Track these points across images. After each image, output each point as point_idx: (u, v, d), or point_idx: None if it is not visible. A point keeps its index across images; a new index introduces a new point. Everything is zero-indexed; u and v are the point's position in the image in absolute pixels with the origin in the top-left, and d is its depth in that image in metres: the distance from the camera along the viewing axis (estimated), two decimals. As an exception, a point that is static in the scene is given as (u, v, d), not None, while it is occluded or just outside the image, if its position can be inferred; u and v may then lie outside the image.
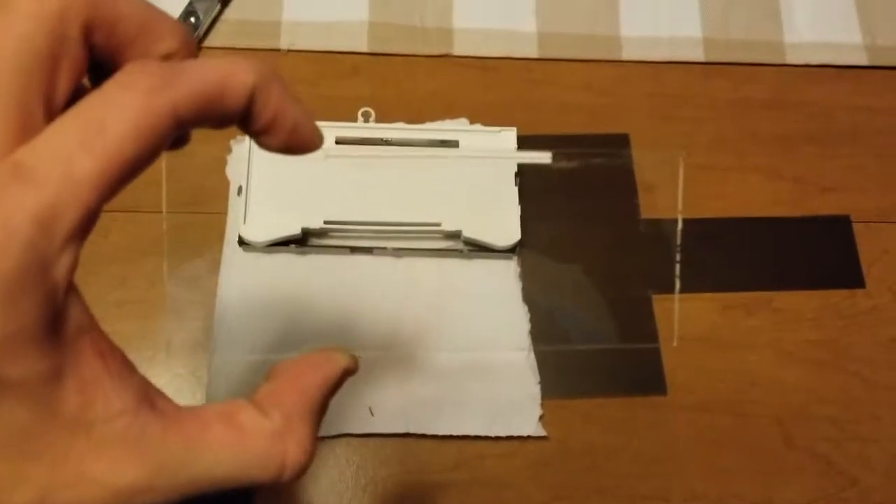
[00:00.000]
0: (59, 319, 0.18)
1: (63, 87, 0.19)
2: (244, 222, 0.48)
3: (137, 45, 0.21)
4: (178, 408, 0.21)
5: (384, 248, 0.49)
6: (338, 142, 0.50)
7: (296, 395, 0.23)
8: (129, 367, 0.20)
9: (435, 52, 0.56)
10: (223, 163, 0.51)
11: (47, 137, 0.18)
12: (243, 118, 0.21)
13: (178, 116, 0.19)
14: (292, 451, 0.22)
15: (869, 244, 0.53)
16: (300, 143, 0.22)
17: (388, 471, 0.45)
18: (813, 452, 0.48)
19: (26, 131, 0.18)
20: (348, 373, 0.25)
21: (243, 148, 0.50)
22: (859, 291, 0.52)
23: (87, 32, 0.20)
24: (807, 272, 0.52)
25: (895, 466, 0.48)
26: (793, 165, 0.55)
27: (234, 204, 0.50)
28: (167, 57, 0.22)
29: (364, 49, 0.55)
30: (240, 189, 0.49)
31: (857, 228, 0.53)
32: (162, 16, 0.22)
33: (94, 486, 0.19)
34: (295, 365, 0.24)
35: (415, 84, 0.55)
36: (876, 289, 0.52)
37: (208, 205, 0.50)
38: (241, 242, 0.48)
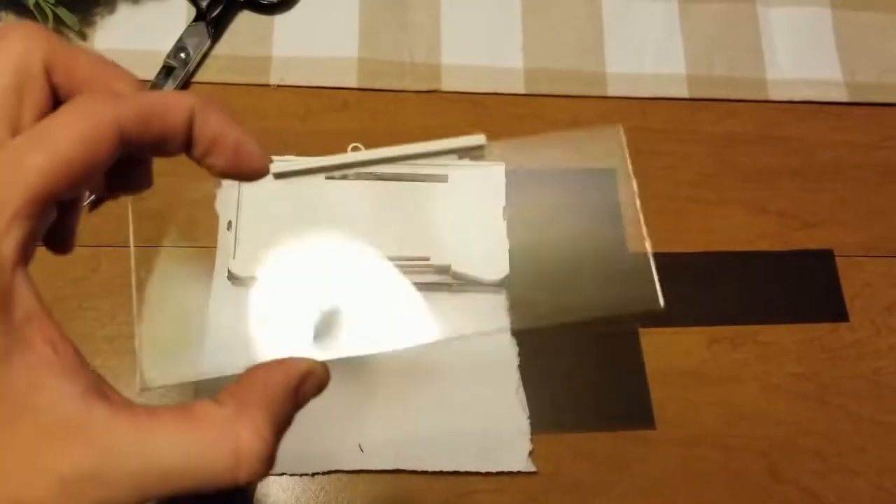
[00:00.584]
0: (5, 299, 0.19)
1: (27, 118, 0.21)
2: (234, 257, 0.48)
3: (94, 85, 0.23)
4: (129, 400, 0.21)
5: (374, 283, 0.49)
6: (327, 177, 0.50)
7: (254, 389, 0.22)
8: (80, 359, 0.20)
9: (424, 87, 0.56)
10: (213, 197, 0.51)
11: (4, 144, 0.20)
12: (187, 143, 0.22)
13: (121, 126, 0.21)
14: (246, 436, 0.20)
15: (851, 278, 0.54)
16: (245, 162, 0.23)
17: (377, 507, 0.45)
18: (799, 485, 0.48)
19: None
20: (313, 377, 0.24)
21: (233, 183, 0.50)
22: (843, 325, 0.53)
23: (49, 71, 0.22)
24: (791, 306, 0.53)
25: (880, 498, 0.49)
26: (776, 200, 0.56)
27: (224, 238, 0.50)
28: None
29: (353, 84, 0.56)
30: (229, 224, 0.49)
31: (840, 262, 0.54)
32: (115, 64, 0.23)
33: (40, 473, 0.18)
34: (256, 366, 0.24)
35: (404, 118, 0.56)
36: (859, 322, 0.53)
37: (198, 239, 0.50)
38: (231, 277, 0.48)
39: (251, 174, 0.24)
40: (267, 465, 0.21)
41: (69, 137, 0.20)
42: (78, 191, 0.21)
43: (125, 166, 0.22)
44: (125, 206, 0.50)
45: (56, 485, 0.18)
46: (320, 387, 0.24)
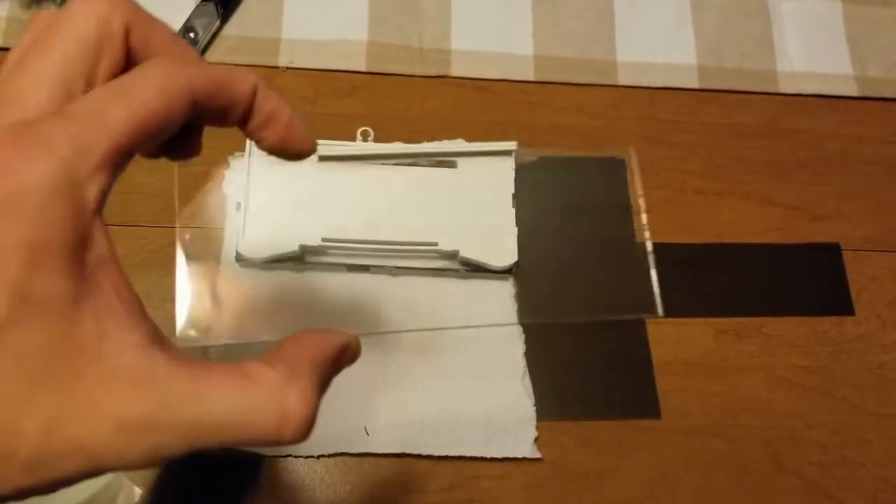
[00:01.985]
0: (84, 242, 0.20)
1: (102, 74, 0.22)
2: (242, 238, 0.48)
3: (164, 55, 0.24)
4: (186, 353, 0.22)
5: (381, 267, 0.49)
6: (320, 160, 0.50)
7: (300, 353, 0.23)
8: (142, 308, 0.21)
9: (433, 72, 0.56)
10: (221, 178, 0.51)
11: (86, 95, 0.21)
12: (246, 113, 0.24)
13: (194, 90, 0.22)
14: (294, 400, 0.22)
15: (858, 272, 0.54)
16: (295, 140, 0.25)
17: (383, 491, 0.45)
18: (802, 476, 0.49)
19: (67, 103, 0.21)
20: (349, 350, 0.26)
21: (242, 164, 0.50)
22: (848, 318, 0.53)
23: (128, 32, 0.23)
24: (797, 299, 0.53)
25: (882, 490, 0.49)
26: (784, 192, 0.56)
27: (232, 220, 0.49)
28: None
29: (362, 68, 0.55)
30: (238, 205, 0.49)
31: (847, 256, 0.54)
32: (186, 43, 0.25)
33: (101, 417, 0.19)
34: (299, 332, 0.25)
35: (412, 103, 0.55)
36: (864, 316, 0.53)
37: (206, 220, 0.50)
38: (239, 258, 0.48)
39: (298, 153, 0.26)
40: (309, 427, 0.22)
41: (150, 93, 0.21)
42: (152, 146, 0.23)
43: (181, 132, 0.23)
44: (130, 186, 0.50)
45: (115, 429, 0.19)
46: (353, 359, 0.26)
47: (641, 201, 0.53)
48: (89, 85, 0.22)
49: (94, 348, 0.19)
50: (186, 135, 0.25)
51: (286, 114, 0.25)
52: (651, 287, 0.51)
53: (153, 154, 0.26)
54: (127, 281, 0.21)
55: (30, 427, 0.18)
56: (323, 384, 0.24)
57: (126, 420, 0.19)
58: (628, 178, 0.54)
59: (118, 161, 0.21)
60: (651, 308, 0.50)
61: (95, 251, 0.20)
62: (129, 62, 0.23)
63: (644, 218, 0.52)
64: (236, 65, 0.54)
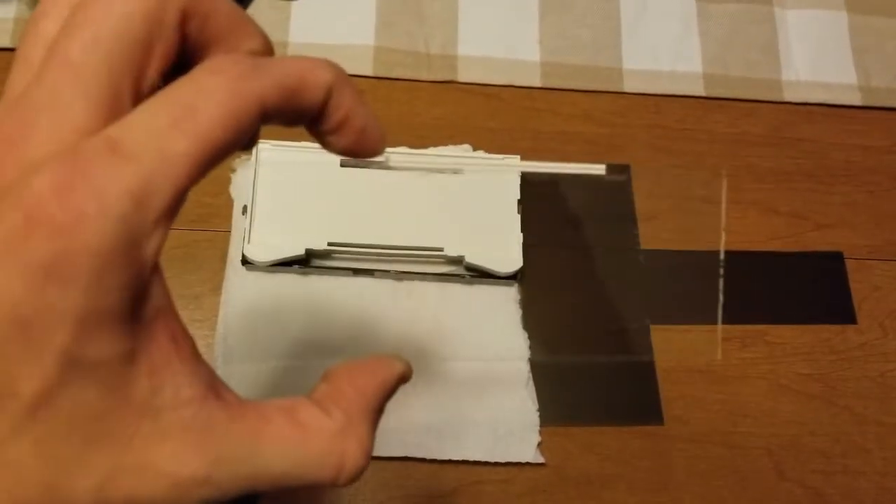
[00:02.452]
0: (142, 299, 0.18)
1: (152, 73, 0.19)
2: (248, 242, 0.48)
3: (225, 42, 0.21)
4: (241, 400, 0.21)
5: (386, 272, 0.49)
6: (343, 164, 0.50)
7: (355, 396, 0.22)
8: (197, 355, 0.20)
9: (439, 78, 0.56)
10: (228, 181, 0.51)
11: (139, 117, 0.18)
12: (315, 117, 0.21)
13: (264, 104, 0.19)
14: (352, 450, 0.21)
15: (861, 281, 0.54)
16: (367, 145, 0.23)
17: (386, 494, 0.45)
18: (803, 484, 0.49)
19: (114, 112, 0.18)
20: (403, 378, 0.25)
21: (248, 167, 0.50)
22: (851, 327, 0.53)
23: (184, 19, 0.20)
24: (800, 307, 0.53)
25: (883, 499, 0.49)
26: (788, 201, 0.56)
27: (238, 223, 0.50)
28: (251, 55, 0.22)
29: (369, 73, 0.56)
30: (244, 208, 0.49)
31: (850, 265, 0.54)
32: (249, 18, 0.22)
33: (155, 475, 0.19)
34: (353, 366, 0.24)
35: (418, 109, 0.56)
36: (867, 325, 0.53)
37: (212, 223, 0.50)
38: (245, 262, 0.48)
39: (367, 156, 0.23)
40: (363, 471, 0.22)
41: (216, 118, 0.18)
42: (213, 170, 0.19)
43: None
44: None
45: (170, 486, 0.19)
46: (404, 383, 0.25)
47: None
48: (137, 91, 0.19)
49: (148, 405, 0.18)
50: None
51: (360, 118, 0.22)
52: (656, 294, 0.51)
53: None
54: (183, 327, 0.20)
55: (83, 488, 0.18)
56: (378, 420, 0.23)
57: (182, 478, 0.19)
58: (633, 184, 0.54)
59: (179, 204, 0.18)
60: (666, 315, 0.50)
61: (153, 303, 0.18)
62: (182, 49, 0.20)
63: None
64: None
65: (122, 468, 0.18)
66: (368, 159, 0.24)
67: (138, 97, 0.19)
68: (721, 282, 0.53)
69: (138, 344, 0.18)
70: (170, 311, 0.19)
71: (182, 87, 0.18)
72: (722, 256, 0.53)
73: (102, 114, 0.18)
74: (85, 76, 0.18)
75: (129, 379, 0.18)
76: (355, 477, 0.21)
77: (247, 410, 0.20)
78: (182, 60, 0.21)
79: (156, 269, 0.18)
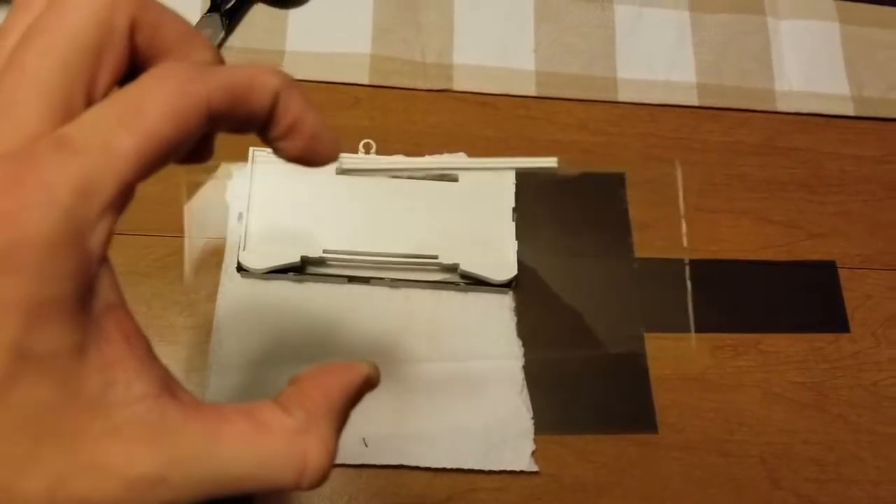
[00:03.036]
0: (90, 292, 0.18)
1: (104, 80, 0.20)
2: (243, 249, 0.48)
3: (175, 53, 0.22)
4: (199, 401, 0.20)
5: (381, 279, 0.49)
6: (338, 171, 0.50)
7: (319, 397, 0.22)
8: (152, 355, 0.20)
9: (435, 86, 0.56)
10: (223, 188, 0.51)
11: (88, 116, 0.19)
12: (265, 123, 0.22)
13: (210, 105, 0.19)
14: (314, 449, 0.21)
15: (853, 290, 0.54)
16: (318, 150, 0.23)
17: (380, 502, 0.45)
18: (797, 493, 0.49)
19: (67, 116, 0.19)
20: (370, 382, 0.24)
21: (244, 174, 0.50)
22: (844, 336, 0.53)
23: (133, 29, 0.20)
24: (794, 316, 0.53)
25: (876, 508, 0.49)
26: (782, 210, 0.56)
27: (234, 230, 0.50)
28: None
29: (365, 81, 0.56)
30: (240, 215, 0.49)
31: (843, 274, 0.55)
32: (198, 33, 0.23)
33: (106, 475, 0.18)
34: (318, 370, 0.24)
35: (414, 117, 0.56)
36: (859, 333, 0.53)
37: (207, 229, 0.50)
38: (240, 268, 0.48)
39: (320, 163, 0.23)
40: (327, 474, 0.21)
41: (161, 116, 0.19)
42: (161, 168, 0.20)
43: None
44: (133, 197, 0.50)
45: (122, 486, 0.18)
46: (373, 388, 0.25)
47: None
48: (90, 96, 0.20)
49: (100, 401, 0.18)
50: (200, 140, 0.22)
51: (310, 123, 0.22)
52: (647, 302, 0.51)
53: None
54: (136, 325, 0.20)
55: (34, 488, 0.17)
56: (342, 424, 0.22)
57: (135, 478, 0.18)
58: (627, 193, 0.55)
59: (124, 200, 0.19)
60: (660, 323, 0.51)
61: (102, 297, 0.19)
62: (133, 60, 0.21)
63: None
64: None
65: (73, 468, 0.18)
66: (323, 165, 0.24)
67: (90, 103, 0.20)
68: (715, 291, 0.53)
69: (88, 337, 0.18)
70: (122, 310, 0.19)
71: (130, 89, 0.19)
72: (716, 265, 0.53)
73: (56, 117, 0.19)
74: (38, 82, 0.19)
75: (80, 373, 0.18)
76: (319, 479, 0.21)
77: (204, 410, 0.20)
78: (134, 71, 0.21)
79: (104, 262, 0.19)
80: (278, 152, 0.23)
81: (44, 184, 0.17)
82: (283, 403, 0.21)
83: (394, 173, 0.51)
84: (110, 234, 0.18)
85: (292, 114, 0.22)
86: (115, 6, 0.20)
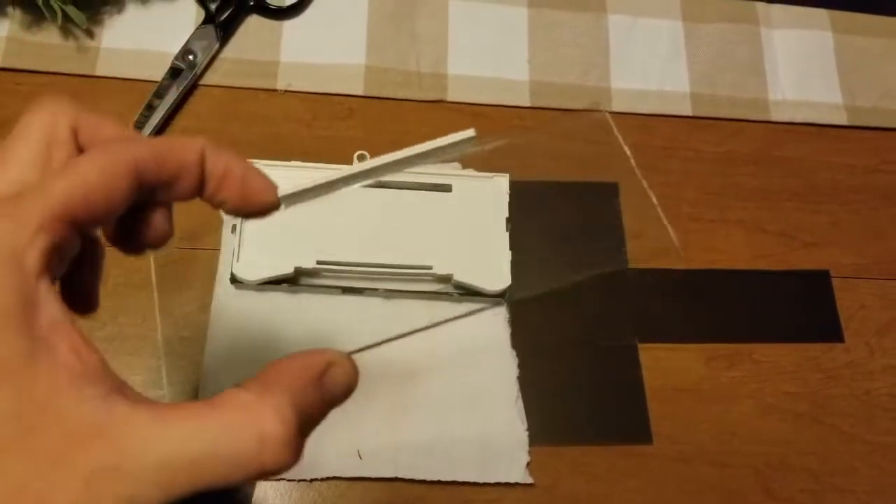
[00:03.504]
0: (32, 305, 0.20)
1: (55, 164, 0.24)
2: (237, 260, 0.48)
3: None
4: (151, 400, 0.21)
5: (375, 290, 0.49)
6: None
7: (277, 375, 0.22)
8: (104, 365, 0.21)
9: (429, 97, 0.57)
10: (217, 200, 0.51)
11: (39, 179, 0.23)
12: (200, 182, 0.24)
13: (138, 163, 0.22)
14: (269, 419, 0.20)
15: (847, 299, 0.55)
16: (253, 194, 0.25)
17: (375, 514, 0.45)
18: (792, 503, 0.49)
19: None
20: (335, 369, 0.24)
21: (238, 186, 0.50)
22: (837, 345, 0.53)
23: (75, 132, 0.24)
24: (787, 326, 0.53)
25: (871, 518, 0.49)
26: (775, 220, 0.56)
27: (228, 241, 0.50)
28: None
29: (360, 92, 0.56)
30: (233, 227, 0.49)
31: (836, 283, 0.55)
32: (136, 133, 0.27)
33: (64, 474, 0.18)
34: (282, 358, 0.23)
35: (408, 128, 0.56)
36: (853, 343, 0.53)
37: (201, 241, 0.50)
38: (234, 280, 0.48)
39: (261, 207, 0.26)
40: (292, 451, 0.20)
41: (90, 168, 0.22)
42: (97, 223, 0.22)
43: (144, 215, 0.24)
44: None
45: (81, 484, 0.18)
46: (347, 380, 0.24)
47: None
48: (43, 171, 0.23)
49: (51, 406, 0.19)
50: (152, 214, 0.25)
51: (240, 168, 0.25)
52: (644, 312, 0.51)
53: (122, 244, 0.26)
54: (85, 339, 0.21)
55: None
56: (305, 404, 0.22)
57: (91, 473, 0.18)
58: (621, 203, 0.55)
59: (59, 228, 0.21)
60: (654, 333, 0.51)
61: (48, 313, 0.20)
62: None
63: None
64: (234, 87, 0.55)
65: (34, 471, 0.18)
66: (265, 213, 0.26)
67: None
68: (708, 300, 0.53)
69: (37, 347, 0.20)
70: (69, 325, 0.21)
71: (70, 160, 0.23)
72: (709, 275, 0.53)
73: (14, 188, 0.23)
74: (2, 182, 0.23)
75: (31, 379, 0.19)
76: (282, 454, 0.20)
77: (156, 404, 0.20)
78: None
79: (42, 280, 0.21)
80: (219, 206, 0.25)
81: None
82: (240, 384, 0.22)
83: (381, 181, 0.51)
84: (48, 256, 0.21)
85: (222, 163, 0.24)
86: (57, 115, 0.24)
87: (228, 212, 0.25)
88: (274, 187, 0.26)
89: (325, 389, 0.23)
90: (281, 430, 0.20)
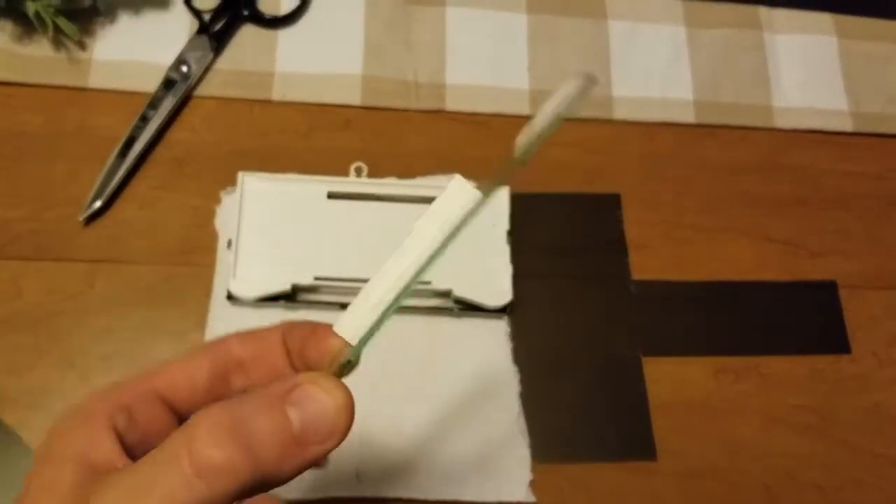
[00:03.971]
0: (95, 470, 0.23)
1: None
2: (233, 277, 0.47)
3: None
4: None
5: (374, 305, 0.48)
6: (330, 196, 0.49)
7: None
8: None
9: (427, 107, 0.56)
10: (212, 215, 0.50)
11: None
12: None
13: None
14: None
15: (854, 310, 0.54)
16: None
17: (375, 536, 0.45)
18: (800, 518, 0.48)
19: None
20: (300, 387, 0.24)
21: (233, 200, 0.49)
22: (844, 357, 0.52)
23: (120, 435, 0.25)
24: (794, 337, 0.52)
25: (879, 533, 0.48)
26: (782, 228, 0.55)
27: (223, 257, 0.49)
28: None
29: (357, 102, 0.55)
30: (229, 242, 0.48)
31: (843, 294, 0.54)
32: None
33: None
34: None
35: (407, 138, 0.55)
36: (861, 354, 0.52)
37: (196, 257, 0.49)
38: (230, 297, 0.47)
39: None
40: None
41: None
42: None
43: None
44: (121, 223, 0.49)
45: None
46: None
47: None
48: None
49: None
50: None
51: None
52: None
53: None
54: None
55: None
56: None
57: None
58: (623, 213, 0.54)
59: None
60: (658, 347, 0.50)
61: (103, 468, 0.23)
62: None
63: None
64: (229, 98, 0.54)
65: None
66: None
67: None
68: (714, 313, 0.52)
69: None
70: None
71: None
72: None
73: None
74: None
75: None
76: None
77: None
78: None
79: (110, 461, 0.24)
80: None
81: None
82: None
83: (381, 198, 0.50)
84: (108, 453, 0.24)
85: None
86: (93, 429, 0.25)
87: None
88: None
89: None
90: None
